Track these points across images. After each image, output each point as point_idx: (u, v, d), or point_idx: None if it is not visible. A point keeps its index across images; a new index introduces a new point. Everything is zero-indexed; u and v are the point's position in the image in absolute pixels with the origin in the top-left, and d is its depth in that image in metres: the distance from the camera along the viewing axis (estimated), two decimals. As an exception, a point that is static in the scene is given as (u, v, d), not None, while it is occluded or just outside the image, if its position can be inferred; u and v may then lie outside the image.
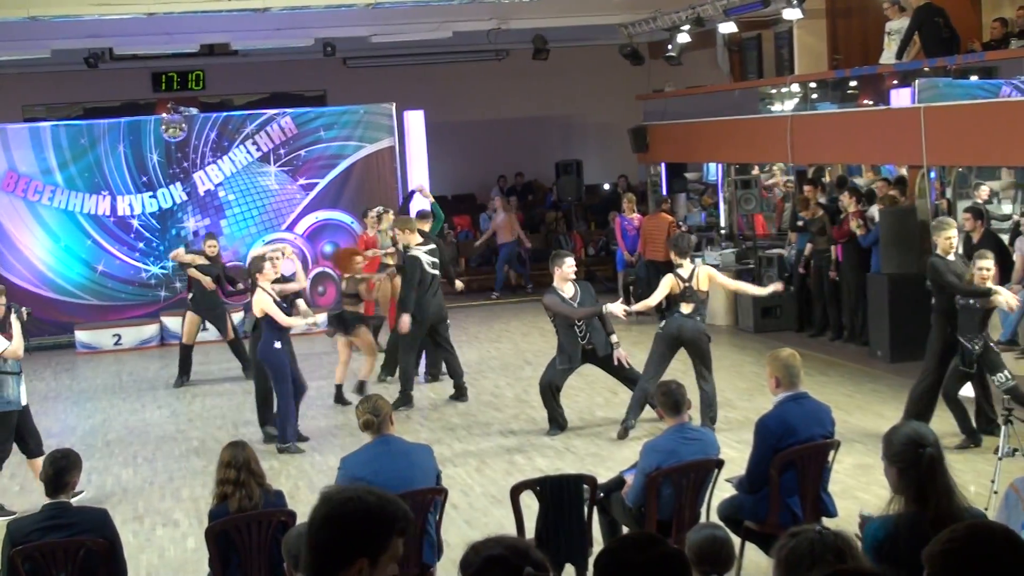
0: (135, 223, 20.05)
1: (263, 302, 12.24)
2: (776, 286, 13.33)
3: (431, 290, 14.02)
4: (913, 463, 5.09)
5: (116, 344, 19.32)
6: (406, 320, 13.83)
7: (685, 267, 12.15)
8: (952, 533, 3.26)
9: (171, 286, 19.91)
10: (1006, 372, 10.87)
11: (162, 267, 19.94)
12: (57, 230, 19.79)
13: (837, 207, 16.80)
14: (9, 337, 10.68)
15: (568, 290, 12.34)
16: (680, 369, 12.60)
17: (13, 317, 10.87)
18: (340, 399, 14.54)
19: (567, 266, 12.39)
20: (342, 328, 14.45)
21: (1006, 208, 17.40)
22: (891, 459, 5.22)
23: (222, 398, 15.36)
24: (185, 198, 20.23)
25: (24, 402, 10.96)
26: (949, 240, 11.19)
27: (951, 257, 11.19)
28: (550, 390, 12.58)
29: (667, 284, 12.21)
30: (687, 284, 12.06)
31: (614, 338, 12.45)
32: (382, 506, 3.31)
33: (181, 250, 16.92)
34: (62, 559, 6.88)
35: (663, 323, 12.36)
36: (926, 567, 3.23)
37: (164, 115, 20.62)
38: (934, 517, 4.89)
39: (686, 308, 12.12)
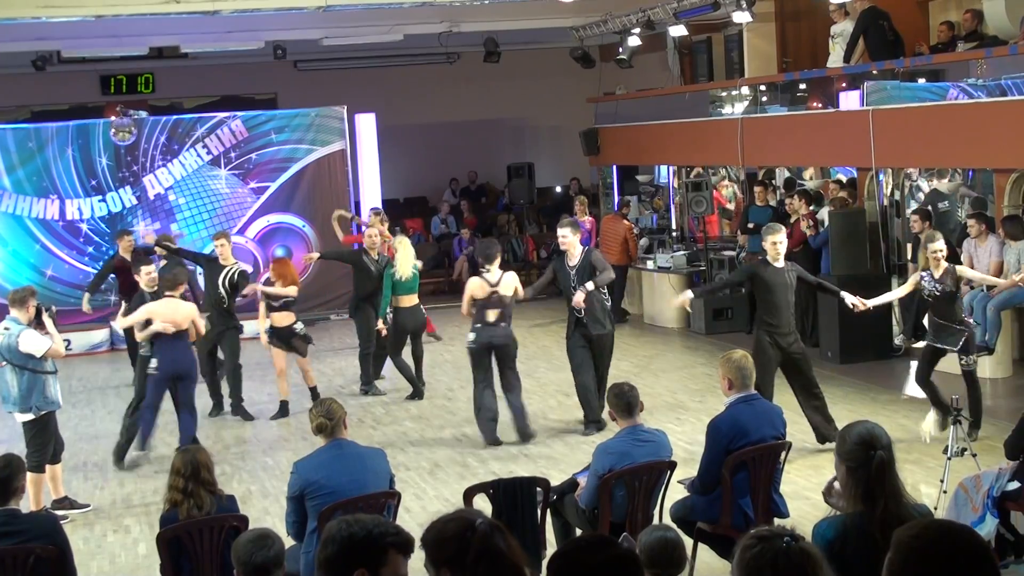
0: (84, 227, 19.86)
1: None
2: None
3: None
4: (863, 463, 5.13)
5: (66, 349, 19.02)
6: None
7: (493, 272, 12.25)
8: (926, 522, 3.32)
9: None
10: None
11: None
12: (5, 234, 19.56)
13: (786, 210, 16.90)
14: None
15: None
16: (632, 372, 12.62)
17: (45, 316, 10.76)
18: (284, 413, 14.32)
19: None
20: (282, 342, 14.14)
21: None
22: (842, 456, 5.26)
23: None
24: (135, 202, 20.06)
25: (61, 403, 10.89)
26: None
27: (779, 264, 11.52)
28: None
29: (474, 286, 12.32)
30: (494, 290, 12.18)
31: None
32: (376, 524, 3.76)
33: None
34: (11, 566, 6.80)
35: (473, 337, 12.30)
36: (892, 551, 3.24)
37: (113, 118, 20.44)
38: (881, 518, 4.93)
39: (492, 315, 12.20)
